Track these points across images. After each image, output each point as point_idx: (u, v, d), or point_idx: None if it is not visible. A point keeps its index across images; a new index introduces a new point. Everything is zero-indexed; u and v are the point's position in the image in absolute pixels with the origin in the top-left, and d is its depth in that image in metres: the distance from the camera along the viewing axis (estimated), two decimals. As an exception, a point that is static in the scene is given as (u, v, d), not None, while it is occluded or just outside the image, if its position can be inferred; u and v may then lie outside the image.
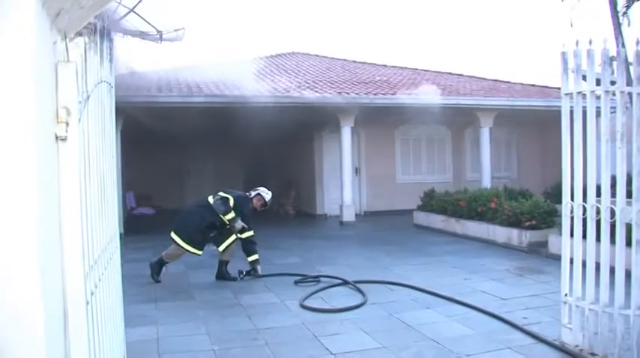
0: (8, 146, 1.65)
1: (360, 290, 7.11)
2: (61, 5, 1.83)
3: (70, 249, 1.98)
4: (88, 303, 2.10)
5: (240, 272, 8.03)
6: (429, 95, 14.89)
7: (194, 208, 8.07)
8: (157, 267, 7.92)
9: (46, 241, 1.79)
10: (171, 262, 8.03)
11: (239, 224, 7.75)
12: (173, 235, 7.80)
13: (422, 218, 14.09)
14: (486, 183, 15.58)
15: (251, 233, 7.95)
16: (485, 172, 16.04)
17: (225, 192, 7.94)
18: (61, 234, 1.97)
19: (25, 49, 1.68)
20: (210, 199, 7.89)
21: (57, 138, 1.94)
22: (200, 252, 7.86)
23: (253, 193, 8.29)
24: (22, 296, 1.67)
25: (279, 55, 21.08)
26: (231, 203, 7.77)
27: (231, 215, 7.71)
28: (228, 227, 7.83)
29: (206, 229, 7.86)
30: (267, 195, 8.32)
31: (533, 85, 18.86)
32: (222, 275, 8.01)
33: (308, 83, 15.32)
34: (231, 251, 8.06)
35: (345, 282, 7.57)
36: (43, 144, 1.78)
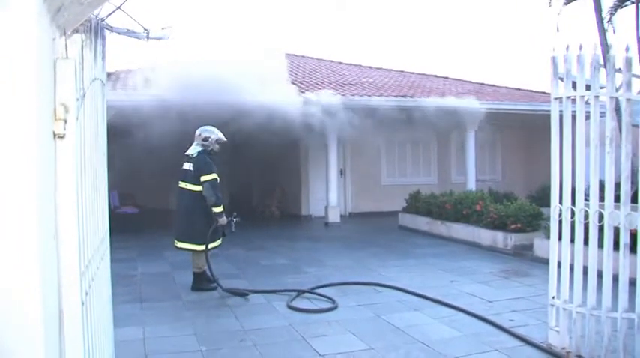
0: (9, 143, 1.62)
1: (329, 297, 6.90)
2: (62, 1, 1.80)
3: (67, 248, 1.95)
4: (83, 304, 2.07)
5: (232, 219, 7.56)
6: (416, 97, 14.97)
7: (185, 206, 7.39)
8: (204, 281, 7.41)
9: (44, 239, 1.76)
10: (205, 266, 7.30)
11: (223, 220, 7.31)
12: (189, 245, 7.32)
13: (407, 220, 14.13)
14: (471, 185, 15.69)
15: (222, 208, 7.33)
16: (471, 175, 16.14)
17: (192, 172, 7.25)
18: (58, 232, 1.94)
19: (26, 45, 1.65)
20: (186, 185, 7.30)
21: (55, 135, 1.91)
22: (220, 242, 7.48)
23: (209, 142, 7.40)
24: (22, 295, 1.64)
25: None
26: (213, 176, 7.22)
27: (221, 208, 7.27)
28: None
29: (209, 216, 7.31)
30: (218, 134, 7.49)
31: (518, 89, 19.00)
32: (200, 285, 7.43)
33: (294, 84, 15.27)
34: (203, 258, 7.31)
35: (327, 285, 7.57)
36: (42, 141, 1.76)
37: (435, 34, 48.93)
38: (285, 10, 47.46)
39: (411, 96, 15.36)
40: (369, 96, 14.97)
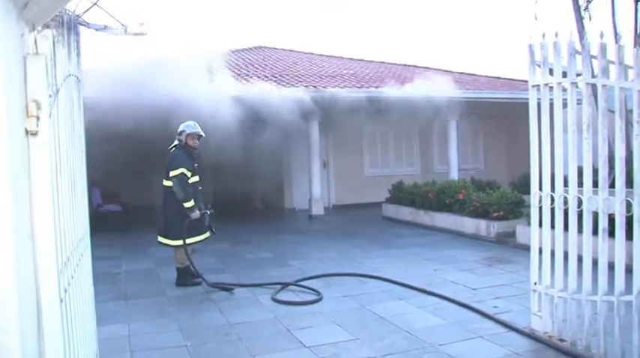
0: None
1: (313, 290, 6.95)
2: (30, -4, 1.77)
3: (43, 247, 1.93)
4: (62, 301, 2.06)
5: (206, 212, 7.44)
6: (396, 88, 14.95)
7: (162, 201, 7.48)
8: (187, 276, 7.39)
9: (19, 238, 1.74)
10: (188, 262, 7.29)
11: (195, 214, 7.19)
12: (165, 240, 7.36)
13: (391, 210, 14.18)
14: (454, 174, 15.79)
15: (191, 203, 7.20)
16: (453, 164, 16.25)
17: (168, 168, 7.28)
18: (33, 231, 1.91)
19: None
20: (167, 182, 7.29)
21: (27, 132, 1.89)
22: (207, 234, 7.49)
23: (183, 138, 7.34)
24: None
25: (246, 49, 20.90)
26: (180, 171, 7.14)
27: (191, 203, 7.17)
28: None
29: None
30: (194, 128, 7.40)
31: (498, 78, 19.11)
32: (184, 281, 7.42)
33: (275, 77, 15.24)
34: (184, 253, 7.28)
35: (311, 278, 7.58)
36: (13, 139, 1.73)
37: (417, 25, 48.95)
38: (274, 7, 47.18)
39: (376, 87, 15.26)
40: (324, 87, 14.83)
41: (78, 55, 3.14)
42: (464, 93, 15.86)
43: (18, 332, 1.66)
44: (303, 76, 16.09)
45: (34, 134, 1.91)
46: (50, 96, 2.05)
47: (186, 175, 7.20)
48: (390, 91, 14.77)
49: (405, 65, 20.60)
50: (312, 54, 21.05)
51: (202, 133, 7.48)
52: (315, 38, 45.88)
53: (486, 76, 19.25)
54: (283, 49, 21.55)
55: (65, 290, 2.18)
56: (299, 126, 14.18)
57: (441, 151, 17.79)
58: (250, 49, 21.12)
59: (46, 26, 2.18)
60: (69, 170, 2.53)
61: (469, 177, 14.63)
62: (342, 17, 49.33)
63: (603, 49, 4.52)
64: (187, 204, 7.16)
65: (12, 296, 1.65)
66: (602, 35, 4.56)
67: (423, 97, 14.50)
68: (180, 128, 7.43)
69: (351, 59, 20.83)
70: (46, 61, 1.97)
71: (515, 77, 18.70)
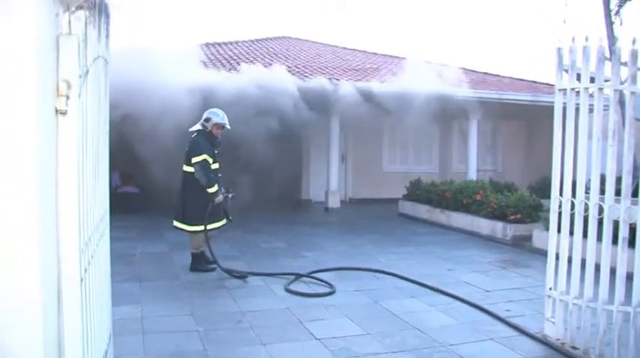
0: (10, 118, 1.62)
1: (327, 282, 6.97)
2: (66, -24, 1.79)
3: (67, 225, 1.95)
4: (82, 280, 2.08)
5: (228, 195, 7.52)
6: (419, 84, 14.83)
7: (181, 186, 7.49)
8: (202, 261, 7.49)
9: (44, 215, 1.76)
10: (204, 247, 7.37)
11: (219, 198, 7.26)
12: (181, 225, 7.40)
13: (407, 207, 14.14)
14: (472, 175, 15.68)
15: (215, 188, 7.23)
16: (472, 164, 16.14)
17: (186, 153, 7.34)
18: (58, 208, 1.94)
19: (28, 20, 1.64)
20: (188, 168, 7.30)
21: (57, 111, 1.91)
22: (224, 221, 7.56)
23: (209, 124, 7.34)
24: (21, 270, 1.65)
25: (269, 39, 20.89)
26: (202, 158, 7.16)
27: (215, 188, 7.20)
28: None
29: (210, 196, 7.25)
30: (222, 119, 7.39)
31: (521, 79, 18.92)
32: (198, 266, 7.50)
33: (298, 68, 15.22)
34: (200, 239, 7.41)
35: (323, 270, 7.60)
36: (43, 117, 1.75)
37: (443, 23, 48.57)
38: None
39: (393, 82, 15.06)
40: (347, 80, 14.66)
41: (107, 37, 3.15)
42: (487, 93, 15.76)
43: (40, 309, 1.69)
44: (326, 68, 16.06)
45: (64, 113, 1.93)
46: (80, 76, 2.07)
47: (208, 161, 7.22)
48: (413, 87, 14.63)
49: (429, 63, 20.44)
50: (336, 46, 20.98)
51: (228, 126, 7.49)
52: (338, 34, 45.77)
53: (510, 78, 19.07)
54: (307, 40, 21.50)
55: (85, 270, 2.20)
56: (318, 118, 14.13)
57: (461, 151, 17.68)
58: (274, 38, 21.10)
59: (80, 7, 2.19)
60: (94, 150, 2.55)
61: (487, 178, 14.52)
62: (362, 15, 49.05)
63: (634, 55, 4.46)
64: (211, 190, 7.18)
65: (35, 272, 1.68)
66: (634, 42, 4.50)
67: (445, 95, 14.40)
68: (207, 115, 7.41)
69: (374, 53, 20.73)
70: (78, 41, 1.99)
71: (538, 79, 18.54)
